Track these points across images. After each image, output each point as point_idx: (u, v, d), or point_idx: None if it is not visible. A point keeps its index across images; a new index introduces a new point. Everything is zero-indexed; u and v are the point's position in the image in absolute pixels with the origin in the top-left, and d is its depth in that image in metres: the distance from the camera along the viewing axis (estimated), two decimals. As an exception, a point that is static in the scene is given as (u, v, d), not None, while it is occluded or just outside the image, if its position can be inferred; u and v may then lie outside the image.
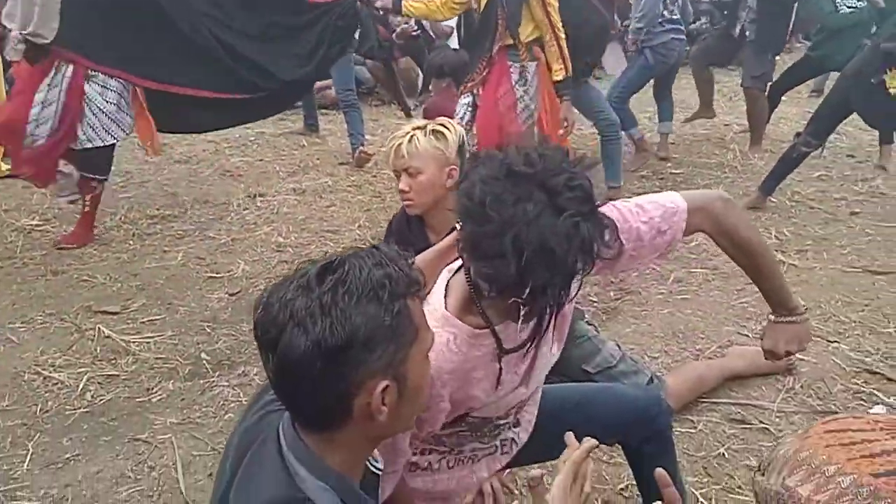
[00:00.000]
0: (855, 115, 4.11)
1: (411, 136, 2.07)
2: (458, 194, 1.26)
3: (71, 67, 3.56)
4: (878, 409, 1.14)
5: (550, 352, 1.55)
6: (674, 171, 5.15)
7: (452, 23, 6.66)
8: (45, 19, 3.45)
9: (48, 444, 2.40)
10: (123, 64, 3.64)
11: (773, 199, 4.42)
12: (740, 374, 2.68)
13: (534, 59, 3.81)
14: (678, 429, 2.42)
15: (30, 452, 2.35)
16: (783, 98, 5.67)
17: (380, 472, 1.21)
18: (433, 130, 2.08)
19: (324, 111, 6.48)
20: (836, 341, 2.96)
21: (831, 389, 2.65)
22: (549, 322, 1.31)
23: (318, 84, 6.39)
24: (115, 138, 3.72)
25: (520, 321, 1.26)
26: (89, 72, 3.60)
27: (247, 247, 3.92)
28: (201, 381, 2.74)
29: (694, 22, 7.56)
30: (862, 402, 2.57)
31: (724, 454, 2.35)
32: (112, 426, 2.50)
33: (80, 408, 2.58)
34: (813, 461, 0.80)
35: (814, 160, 4.83)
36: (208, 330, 3.09)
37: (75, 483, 2.24)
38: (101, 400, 2.62)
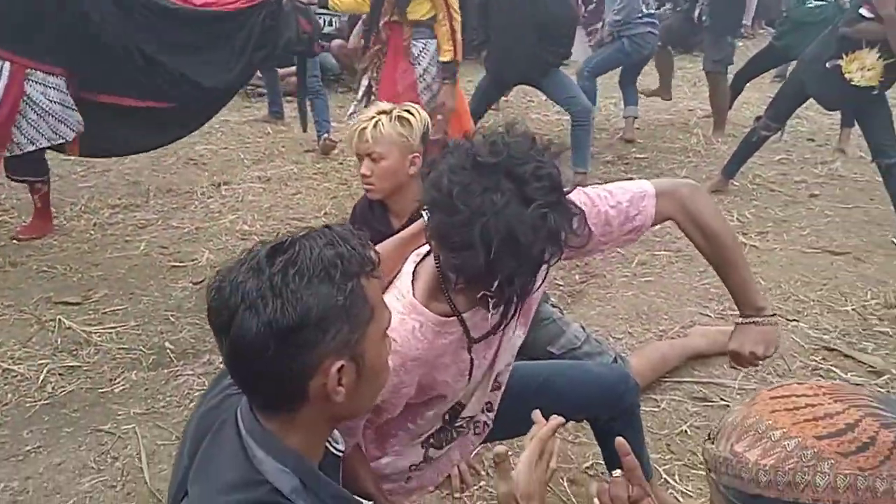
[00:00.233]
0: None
1: (376, 122, 2.05)
2: (426, 185, 1.26)
3: (7, 65, 3.39)
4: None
5: (516, 335, 1.56)
6: (638, 155, 5.20)
7: None
8: None
9: (8, 436, 2.36)
10: (64, 63, 3.46)
11: (735, 183, 4.48)
12: (703, 354, 2.72)
13: (434, 37, 3.75)
14: (642, 408, 2.42)
15: (-11, 445, 2.32)
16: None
17: (340, 454, 1.21)
18: (399, 116, 2.06)
19: (289, 98, 6.40)
20: (795, 320, 3.02)
21: (790, 366, 2.71)
22: (516, 310, 1.32)
23: (283, 71, 6.32)
24: (62, 138, 3.54)
25: (489, 310, 1.27)
26: (27, 71, 3.41)
27: (211, 235, 3.88)
28: (165, 371, 2.71)
29: (659, 8, 7.61)
30: (820, 379, 2.63)
31: (686, 431, 2.40)
32: (74, 417, 2.46)
33: (40, 400, 2.54)
34: (759, 427, 0.81)
35: (775, 144, 4.91)
36: (172, 319, 3.05)
37: (36, 475, 2.21)
38: (63, 391, 2.58)
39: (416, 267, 1.43)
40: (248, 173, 4.85)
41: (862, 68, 3.63)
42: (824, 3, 4.75)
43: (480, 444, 1.82)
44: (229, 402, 1.14)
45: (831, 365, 2.72)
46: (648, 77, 6.15)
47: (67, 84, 3.49)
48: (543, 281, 1.33)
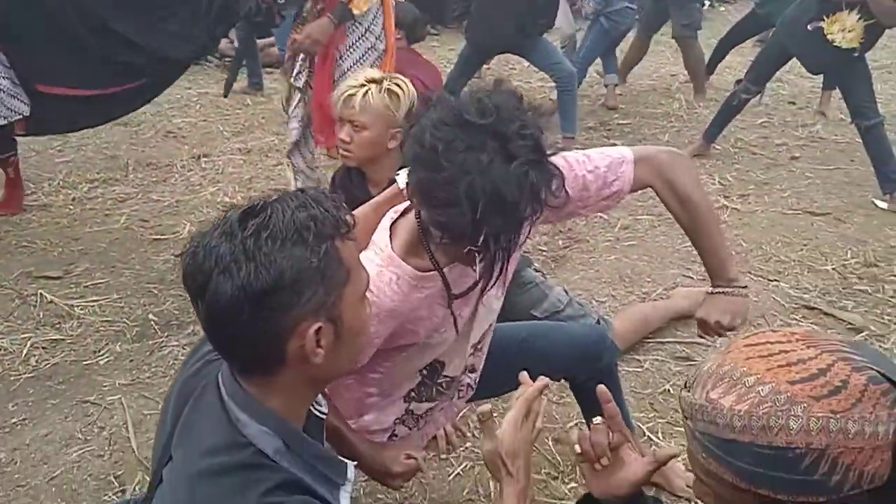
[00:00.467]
0: (796, 63, 4.18)
1: (366, 91, 2.02)
2: (409, 140, 1.24)
3: None
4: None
5: (494, 296, 1.57)
6: (621, 121, 5.19)
7: None
8: None
9: (-7, 410, 2.36)
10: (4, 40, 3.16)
11: (716, 147, 4.49)
12: (685, 315, 2.75)
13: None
14: (625, 368, 2.49)
15: (-26, 420, 2.31)
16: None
17: (324, 417, 1.21)
18: (388, 89, 2.03)
19: (268, 70, 6.33)
20: (775, 280, 3.06)
21: (771, 325, 2.74)
22: (501, 267, 1.33)
23: (262, 42, 6.24)
24: (18, 113, 3.28)
25: (477, 267, 1.27)
26: None
27: (192, 208, 3.85)
28: (150, 343, 2.70)
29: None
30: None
31: (669, 390, 2.43)
32: (59, 389, 2.46)
33: (24, 373, 2.53)
34: (734, 373, 0.83)
35: (757, 108, 4.92)
36: (155, 292, 3.04)
37: (23, 447, 2.21)
38: (47, 364, 2.57)
39: (392, 223, 1.44)
40: (228, 145, 4.80)
41: (843, 30, 3.63)
42: None
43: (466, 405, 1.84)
44: (209, 368, 1.14)
45: (811, 323, 2.76)
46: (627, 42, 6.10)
47: (10, 62, 3.19)
48: (525, 238, 1.34)
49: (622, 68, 5.85)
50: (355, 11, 3.06)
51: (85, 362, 2.59)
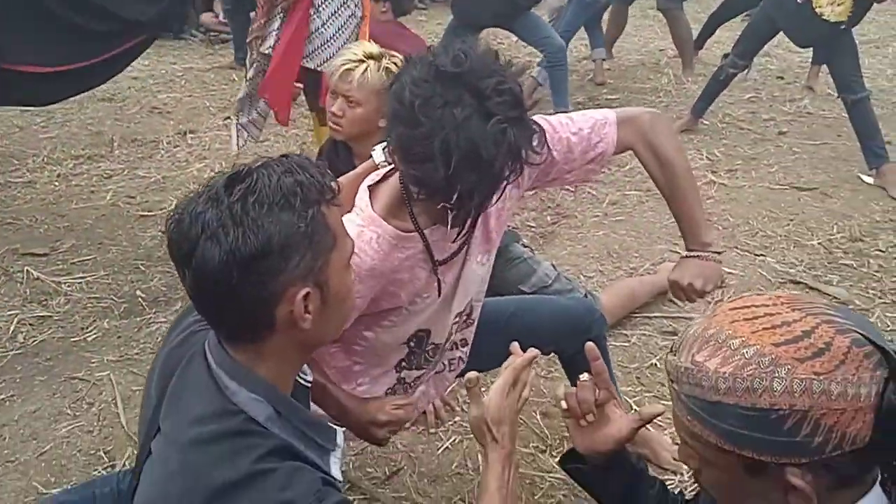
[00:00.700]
0: (784, 37, 4.17)
1: (365, 68, 1.99)
2: (389, 96, 1.25)
3: None
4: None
5: (479, 263, 1.56)
6: (609, 96, 5.18)
7: None
8: None
9: (-20, 387, 2.35)
10: None
11: (704, 122, 4.50)
12: (672, 289, 2.76)
13: None
14: (613, 343, 2.50)
15: (-39, 396, 2.30)
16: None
17: (309, 385, 1.22)
18: (386, 67, 2.00)
19: (255, 45, 6.26)
20: (762, 254, 3.08)
21: (757, 299, 2.76)
22: (474, 224, 1.33)
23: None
24: None
25: (448, 224, 1.28)
26: None
27: (178, 184, 3.82)
28: (137, 319, 2.70)
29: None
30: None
31: (656, 364, 2.45)
32: (47, 366, 2.45)
33: (11, 350, 2.52)
34: (719, 336, 0.83)
35: (745, 82, 4.92)
36: (142, 268, 3.02)
37: (12, 423, 2.21)
38: (34, 341, 2.57)
39: (371, 186, 1.44)
40: (213, 121, 4.75)
41: (832, 3, 3.62)
42: None
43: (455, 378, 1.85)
44: (194, 338, 1.14)
45: (796, 297, 2.78)
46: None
47: None
48: (503, 195, 1.34)
49: (607, 42, 5.82)
50: None
51: (73, 339, 2.58)
